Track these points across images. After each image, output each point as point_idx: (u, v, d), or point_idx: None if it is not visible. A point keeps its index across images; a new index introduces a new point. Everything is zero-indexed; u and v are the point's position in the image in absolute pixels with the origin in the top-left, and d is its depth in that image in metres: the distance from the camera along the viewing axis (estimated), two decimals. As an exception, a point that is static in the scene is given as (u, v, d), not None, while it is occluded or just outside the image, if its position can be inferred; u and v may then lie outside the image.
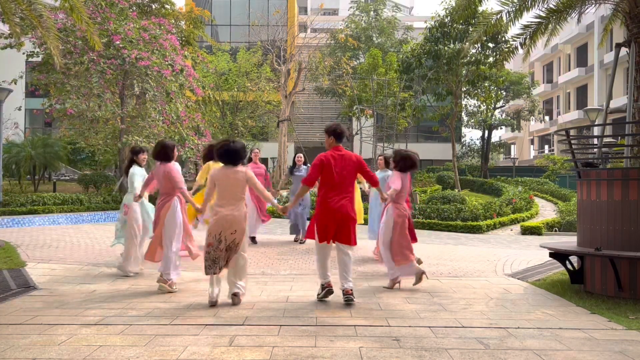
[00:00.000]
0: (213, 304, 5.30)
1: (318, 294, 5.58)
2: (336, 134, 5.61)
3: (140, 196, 6.64)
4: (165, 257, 5.98)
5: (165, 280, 5.92)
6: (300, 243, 10.00)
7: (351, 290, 5.43)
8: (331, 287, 5.51)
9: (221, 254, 5.29)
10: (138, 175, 6.89)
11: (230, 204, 5.34)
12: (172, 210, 6.00)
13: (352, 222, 5.51)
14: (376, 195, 7.75)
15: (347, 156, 5.56)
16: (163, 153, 6.10)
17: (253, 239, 9.77)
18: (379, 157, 8.76)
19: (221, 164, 5.52)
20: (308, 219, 8.98)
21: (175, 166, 6.17)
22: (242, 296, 5.45)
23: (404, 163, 6.29)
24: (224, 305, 5.33)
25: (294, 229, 10.11)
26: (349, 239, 5.47)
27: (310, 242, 9.80)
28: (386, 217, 6.26)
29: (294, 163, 9.94)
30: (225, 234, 5.28)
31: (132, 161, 7.06)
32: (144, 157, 7.09)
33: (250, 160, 9.78)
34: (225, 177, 5.37)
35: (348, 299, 5.37)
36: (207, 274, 5.34)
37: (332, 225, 5.42)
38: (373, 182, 5.79)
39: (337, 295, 5.59)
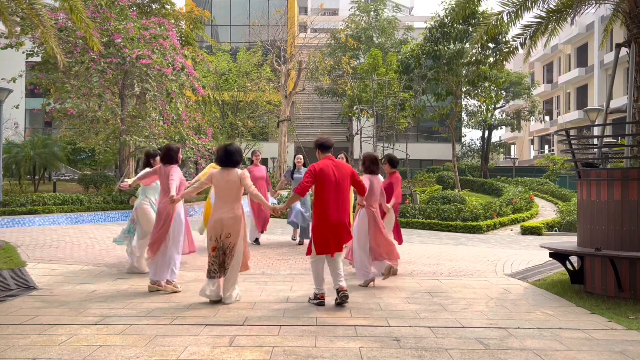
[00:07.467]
0: (216, 301, 5.36)
1: (310, 299, 5.58)
2: (317, 145, 5.68)
3: (130, 186, 6.75)
4: (168, 258, 5.96)
5: (169, 282, 5.95)
6: (299, 244, 9.96)
7: (345, 287, 5.45)
8: (324, 299, 5.47)
9: (225, 259, 5.36)
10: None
11: (226, 205, 5.42)
12: (178, 212, 6.03)
13: (348, 237, 5.60)
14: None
15: (341, 166, 5.60)
16: (167, 155, 6.13)
17: (256, 240, 9.78)
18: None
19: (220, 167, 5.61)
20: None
21: (177, 169, 6.13)
22: (239, 298, 5.57)
23: (366, 165, 6.51)
24: (224, 305, 5.34)
25: (294, 225, 9.97)
26: (341, 248, 5.58)
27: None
28: (359, 219, 6.37)
29: (294, 165, 9.83)
30: (222, 238, 5.35)
31: (147, 165, 6.99)
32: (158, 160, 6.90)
33: (251, 162, 9.74)
34: (222, 179, 5.47)
35: (344, 295, 5.37)
36: (210, 277, 5.37)
37: (332, 239, 5.42)
38: (362, 191, 5.89)
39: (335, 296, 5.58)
